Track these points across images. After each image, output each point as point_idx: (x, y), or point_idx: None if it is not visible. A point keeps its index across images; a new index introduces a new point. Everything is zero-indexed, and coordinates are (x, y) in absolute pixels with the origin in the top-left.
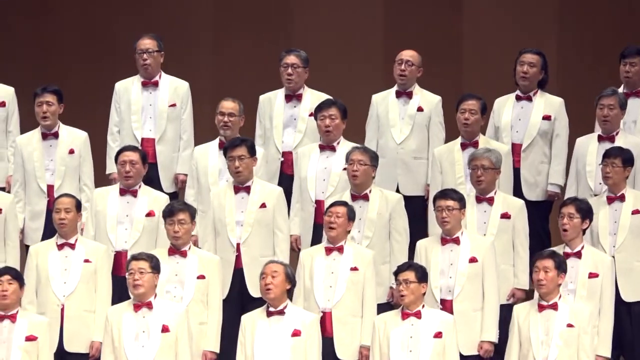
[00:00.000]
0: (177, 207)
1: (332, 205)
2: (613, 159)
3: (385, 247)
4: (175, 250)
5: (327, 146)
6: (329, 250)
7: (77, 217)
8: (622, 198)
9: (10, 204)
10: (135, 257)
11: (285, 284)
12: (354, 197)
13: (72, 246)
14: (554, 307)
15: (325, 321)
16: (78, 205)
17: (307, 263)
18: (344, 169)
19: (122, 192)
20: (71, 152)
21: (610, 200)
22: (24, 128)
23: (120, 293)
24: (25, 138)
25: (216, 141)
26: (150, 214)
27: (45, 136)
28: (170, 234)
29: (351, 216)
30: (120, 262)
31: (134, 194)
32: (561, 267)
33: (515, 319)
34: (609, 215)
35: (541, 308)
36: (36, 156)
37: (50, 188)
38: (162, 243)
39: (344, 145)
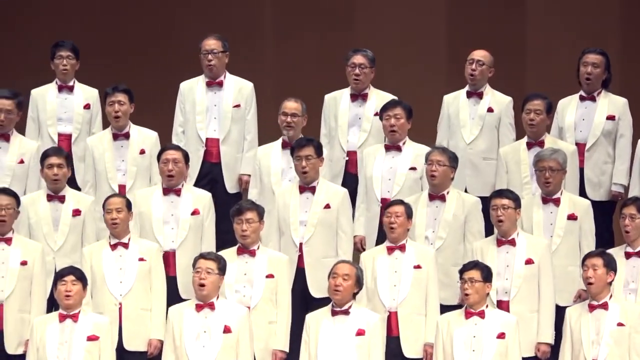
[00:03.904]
0: (245, 206)
1: (390, 205)
2: None
3: (458, 249)
4: (244, 249)
5: (392, 146)
6: (390, 250)
7: (128, 216)
8: None
9: (90, 206)
10: (204, 256)
11: (354, 288)
12: (431, 197)
13: (126, 245)
14: (604, 306)
15: (391, 320)
16: (129, 205)
17: (368, 264)
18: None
19: (166, 191)
20: (142, 152)
21: None
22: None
23: (170, 293)
24: (96, 139)
25: (279, 141)
26: (195, 213)
27: (116, 137)
28: (239, 233)
29: (409, 214)
30: (168, 262)
31: (178, 193)
32: (610, 266)
33: (568, 320)
34: None
35: (592, 308)
36: (107, 157)
37: (121, 188)
38: (207, 241)
39: (410, 146)
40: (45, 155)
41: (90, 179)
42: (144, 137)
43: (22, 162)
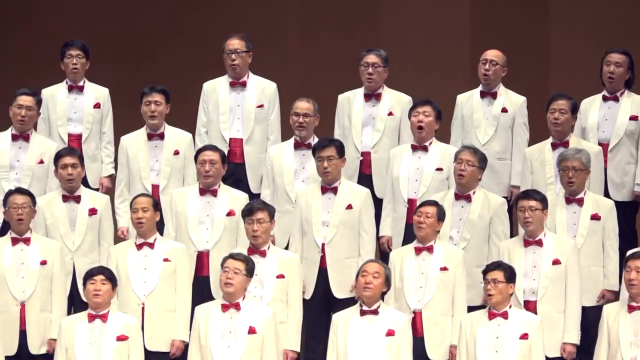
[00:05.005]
0: (257, 206)
1: (422, 204)
2: None
3: (482, 249)
4: (255, 249)
5: (419, 146)
6: (418, 250)
7: (154, 216)
8: None
9: (105, 205)
10: (233, 257)
11: (382, 286)
12: (457, 197)
13: (151, 245)
14: None
15: (415, 321)
16: (155, 205)
17: (397, 263)
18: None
19: (202, 191)
20: (176, 153)
21: None
22: (117, 130)
23: (202, 293)
24: (131, 138)
25: (291, 141)
26: (230, 213)
27: (150, 137)
28: (250, 233)
29: (441, 216)
30: (202, 262)
31: (214, 193)
32: None
33: (605, 319)
34: None
35: (631, 309)
36: (141, 157)
37: (155, 188)
38: (242, 242)
39: (436, 145)
40: (58, 156)
41: (124, 178)
42: (178, 138)
43: (41, 162)
